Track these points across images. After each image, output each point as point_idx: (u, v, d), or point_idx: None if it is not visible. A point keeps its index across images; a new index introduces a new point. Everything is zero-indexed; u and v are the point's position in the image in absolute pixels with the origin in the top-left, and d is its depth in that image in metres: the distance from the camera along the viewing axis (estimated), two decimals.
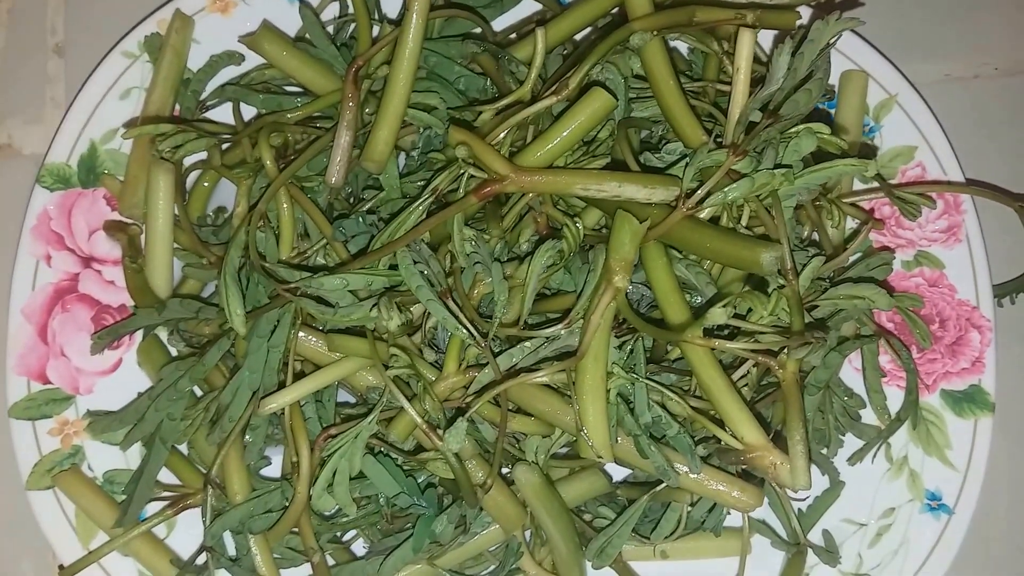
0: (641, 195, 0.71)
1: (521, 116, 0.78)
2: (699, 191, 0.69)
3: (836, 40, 0.76)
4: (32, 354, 0.90)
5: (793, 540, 0.86)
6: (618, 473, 0.89)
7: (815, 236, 0.85)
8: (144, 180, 0.90)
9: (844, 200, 0.87)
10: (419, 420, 0.73)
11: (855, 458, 0.88)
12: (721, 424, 0.72)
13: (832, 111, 0.93)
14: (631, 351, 0.74)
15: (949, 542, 0.88)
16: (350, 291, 0.77)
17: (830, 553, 0.87)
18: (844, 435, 0.88)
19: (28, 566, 0.94)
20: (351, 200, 0.89)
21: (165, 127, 0.86)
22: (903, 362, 0.87)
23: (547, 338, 0.74)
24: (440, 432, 0.74)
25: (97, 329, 0.91)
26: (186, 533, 0.88)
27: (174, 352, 0.90)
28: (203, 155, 0.91)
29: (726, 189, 0.69)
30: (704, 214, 0.73)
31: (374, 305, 0.74)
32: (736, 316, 0.72)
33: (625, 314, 0.70)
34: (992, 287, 0.92)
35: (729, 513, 0.84)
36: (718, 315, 0.65)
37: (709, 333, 0.73)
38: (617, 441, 0.74)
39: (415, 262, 0.75)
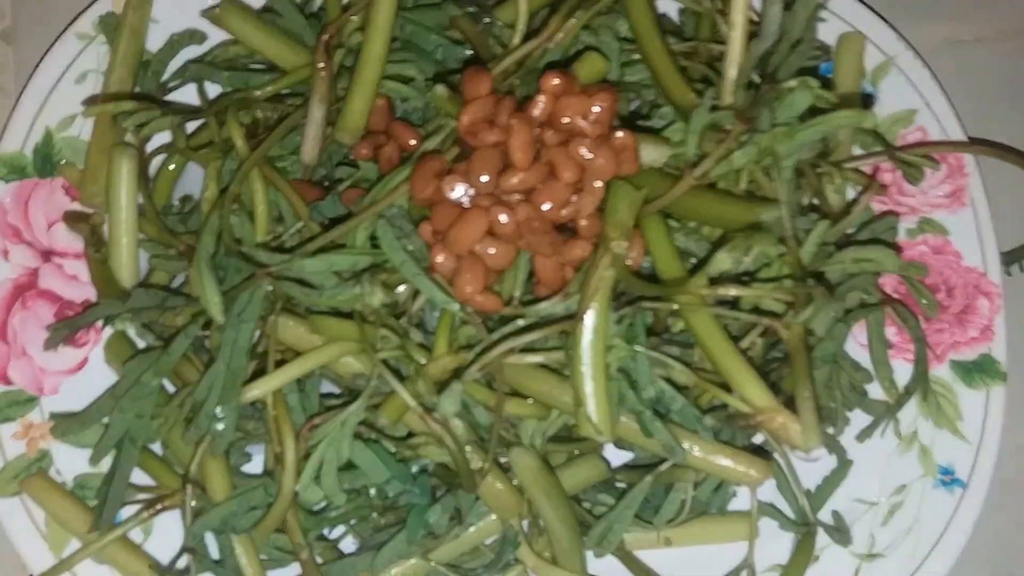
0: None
1: (503, 65, 0.78)
2: (706, 161, 0.70)
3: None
4: None
5: (802, 521, 0.87)
6: (616, 459, 0.89)
7: (815, 204, 0.86)
8: (105, 167, 0.90)
9: (844, 165, 0.88)
10: (411, 401, 0.74)
11: (864, 435, 0.89)
12: (727, 390, 0.73)
13: (829, 76, 0.94)
14: (631, 324, 0.75)
15: (964, 517, 0.89)
16: (334, 272, 0.77)
17: (840, 532, 0.88)
18: (851, 411, 0.89)
19: None
20: (325, 181, 0.90)
21: (127, 104, 0.87)
22: (911, 331, 0.88)
23: (542, 315, 0.75)
24: (434, 415, 0.74)
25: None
26: (165, 537, 0.88)
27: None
28: (167, 139, 0.91)
29: (732, 156, 0.70)
30: None
31: (357, 282, 0.74)
32: (740, 282, 0.73)
33: (623, 277, 0.71)
34: (1000, 254, 0.93)
35: (735, 494, 0.85)
36: (722, 260, 0.66)
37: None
38: (618, 420, 0.75)
39: (398, 237, 0.76)
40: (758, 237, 0.68)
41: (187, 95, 0.95)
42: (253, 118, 0.89)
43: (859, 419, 0.89)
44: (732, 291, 0.69)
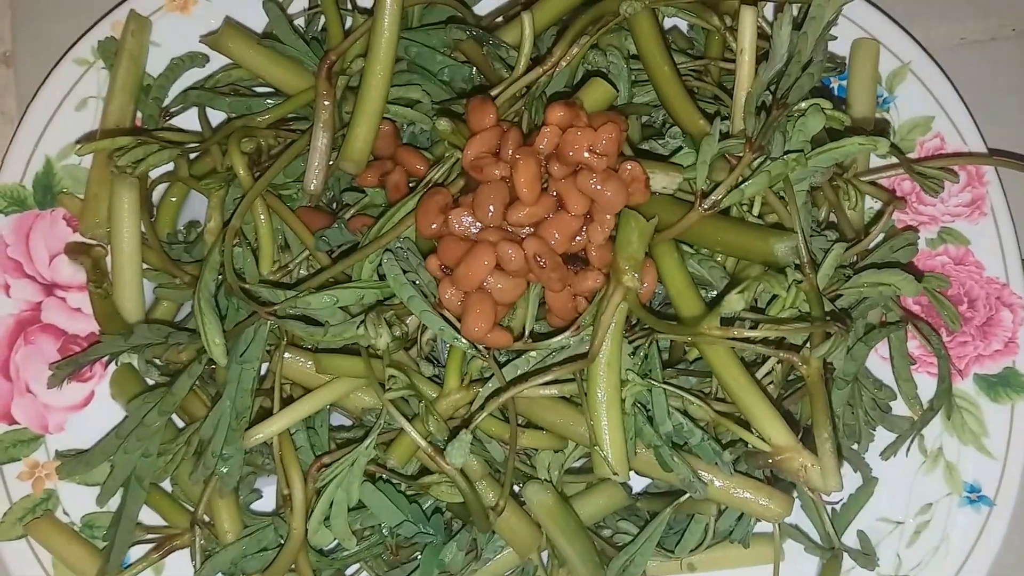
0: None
1: (509, 93, 0.77)
2: (716, 191, 0.68)
3: (836, 17, 0.75)
4: None
5: (827, 544, 0.85)
6: (638, 483, 0.87)
7: (833, 218, 0.84)
8: (106, 197, 0.89)
9: (862, 179, 0.85)
10: (422, 442, 0.72)
11: (888, 452, 0.87)
12: (746, 426, 0.71)
13: (843, 82, 0.92)
14: (645, 356, 0.72)
15: (992, 535, 0.87)
16: (340, 307, 0.75)
17: (867, 555, 0.86)
18: (875, 429, 0.87)
19: None
20: (332, 207, 0.88)
21: (123, 140, 0.84)
22: (933, 347, 0.86)
23: (555, 349, 0.73)
24: (445, 454, 0.72)
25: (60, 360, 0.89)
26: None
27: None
28: (170, 167, 0.90)
29: (743, 186, 0.68)
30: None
31: (361, 323, 0.72)
32: (754, 310, 0.71)
33: (637, 313, 0.69)
34: (1022, 261, 0.91)
35: (758, 521, 0.83)
36: (735, 301, 0.64)
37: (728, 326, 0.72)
38: (636, 454, 0.73)
39: (404, 271, 0.74)
40: (770, 279, 0.66)
41: (189, 117, 0.93)
42: (256, 144, 0.87)
43: (882, 436, 0.87)
44: (748, 333, 0.67)
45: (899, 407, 0.88)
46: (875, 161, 0.91)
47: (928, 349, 0.87)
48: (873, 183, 0.86)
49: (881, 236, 0.86)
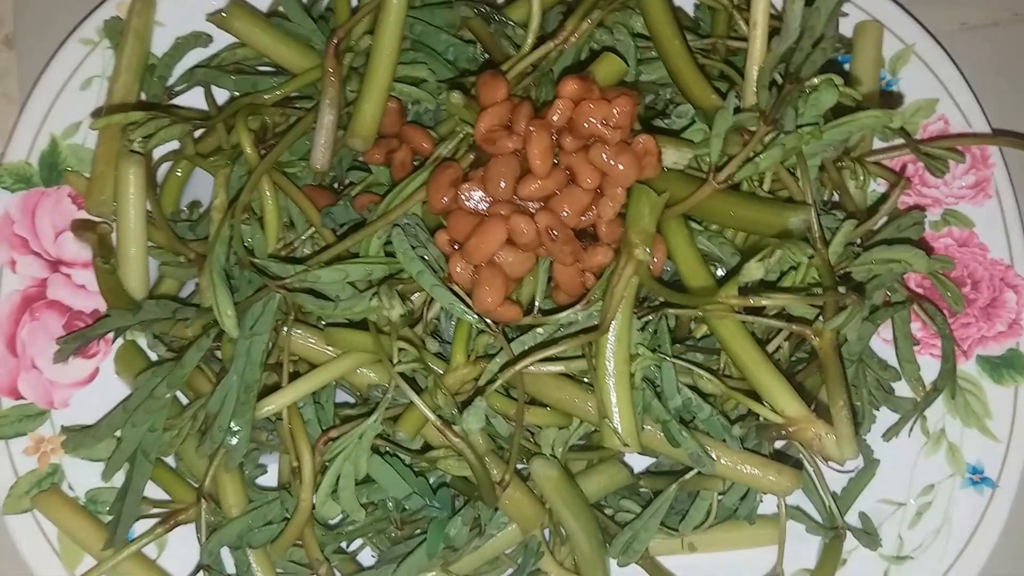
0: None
1: (517, 69, 0.76)
2: (730, 164, 0.68)
3: None
4: (1, 368, 0.88)
5: (829, 524, 0.85)
6: (640, 462, 0.87)
7: (836, 200, 0.83)
8: (112, 175, 0.88)
9: (868, 160, 0.85)
10: (430, 415, 0.72)
11: (890, 433, 0.87)
12: (757, 399, 0.71)
13: (846, 65, 0.92)
14: (655, 331, 0.72)
15: (994, 517, 0.87)
16: (349, 283, 0.75)
17: (869, 535, 0.86)
18: (878, 410, 0.86)
19: None
20: (337, 186, 0.88)
21: (135, 115, 0.84)
22: (938, 328, 0.86)
23: (563, 324, 0.73)
24: (453, 428, 0.72)
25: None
26: (179, 552, 0.86)
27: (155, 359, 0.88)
28: (174, 145, 0.89)
29: (757, 159, 0.67)
30: None
31: (374, 294, 0.72)
32: (765, 286, 0.71)
33: (650, 285, 0.69)
34: None
35: (763, 500, 0.83)
36: (754, 269, 0.64)
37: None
38: (643, 429, 0.73)
39: (413, 247, 0.74)
40: (791, 246, 0.66)
41: (193, 97, 0.93)
42: (261, 122, 0.86)
43: (885, 417, 0.87)
44: (764, 300, 0.67)
45: (901, 389, 0.88)
46: (878, 145, 0.91)
47: (932, 329, 0.87)
48: (879, 164, 0.86)
49: (885, 219, 0.86)
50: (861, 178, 0.82)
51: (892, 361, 0.87)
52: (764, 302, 0.67)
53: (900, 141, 0.88)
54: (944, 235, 0.91)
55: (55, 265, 0.90)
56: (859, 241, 0.82)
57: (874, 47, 0.92)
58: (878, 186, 0.90)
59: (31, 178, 0.91)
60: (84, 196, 0.90)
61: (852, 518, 0.87)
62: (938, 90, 0.93)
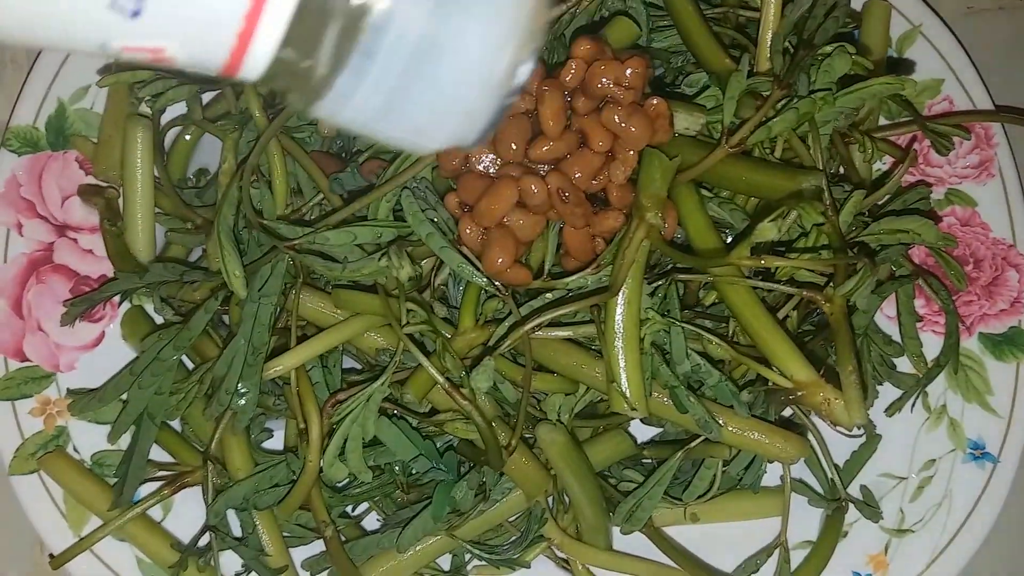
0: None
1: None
2: (743, 128, 0.68)
3: None
4: (7, 330, 0.88)
5: (832, 496, 0.85)
6: (644, 432, 0.87)
7: (842, 172, 0.83)
8: (119, 139, 0.88)
9: (875, 135, 0.85)
10: (439, 377, 0.71)
11: (893, 408, 0.87)
12: (766, 365, 0.71)
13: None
14: (664, 296, 0.72)
15: (995, 492, 0.87)
16: (357, 245, 0.74)
17: (871, 507, 0.86)
18: (881, 384, 0.86)
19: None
20: (344, 154, 0.87)
21: (143, 73, 0.84)
22: (942, 303, 0.86)
23: (572, 287, 0.73)
24: (462, 390, 0.72)
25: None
26: (184, 515, 0.86)
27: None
28: (182, 110, 0.89)
29: (770, 123, 0.67)
30: None
31: (383, 255, 0.72)
32: (775, 252, 0.70)
33: (661, 248, 0.69)
34: None
35: (766, 470, 0.82)
36: (767, 230, 0.64)
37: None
38: (651, 394, 0.73)
39: (423, 209, 0.73)
40: (806, 205, 0.66)
41: None
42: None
43: (887, 392, 0.87)
44: (777, 262, 0.66)
45: (902, 366, 0.88)
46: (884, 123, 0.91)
47: (936, 305, 0.87)
48: (885, 140, 0.86)
49: (887, 197, 0.86)
50: (869, 151, 0.82)
51: (896, 338, 0.87)
52: (777, 262, 0.67)
53: (906, 117, 0.87)
54: (947, 214, 0.91)
55: (62, 229, 0.90)
56: (866, 213, 0.81)
57: (882, 26, 0.91)
58: (883, 165, 0.90)
59: (38, 142, 0.90)
60: (91, 160, 0.90)
61: (854, 491, 0.87)
62: (944, 71, 0.92)
